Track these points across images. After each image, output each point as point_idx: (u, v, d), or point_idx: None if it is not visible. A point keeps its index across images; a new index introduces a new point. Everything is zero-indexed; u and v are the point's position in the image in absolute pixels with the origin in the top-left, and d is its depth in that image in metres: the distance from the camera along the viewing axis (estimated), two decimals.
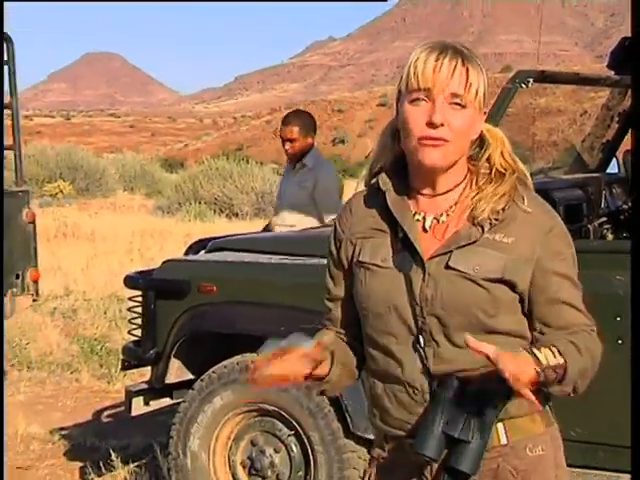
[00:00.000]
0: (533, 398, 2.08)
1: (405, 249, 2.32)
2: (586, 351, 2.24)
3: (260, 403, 4.95)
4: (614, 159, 6.13)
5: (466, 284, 2.27)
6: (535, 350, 2.15)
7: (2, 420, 4.50)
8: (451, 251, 2.29)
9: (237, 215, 23.64)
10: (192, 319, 5.26)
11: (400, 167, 2.38)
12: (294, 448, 4.93)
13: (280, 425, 4.94)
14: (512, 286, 2.28)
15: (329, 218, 6.48)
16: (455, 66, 2.23)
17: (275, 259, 5.25)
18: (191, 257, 6.03)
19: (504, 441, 2.32)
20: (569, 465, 4.41)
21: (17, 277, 7.41)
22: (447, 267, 2.28)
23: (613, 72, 5.61)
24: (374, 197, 2.42)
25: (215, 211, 23.41)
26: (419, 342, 2.30)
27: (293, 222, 6.76)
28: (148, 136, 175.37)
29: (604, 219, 5.47)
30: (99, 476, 6.17)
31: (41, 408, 7.88)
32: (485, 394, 2.24)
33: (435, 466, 2.32)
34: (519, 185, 2.34)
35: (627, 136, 6.05)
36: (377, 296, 2.34)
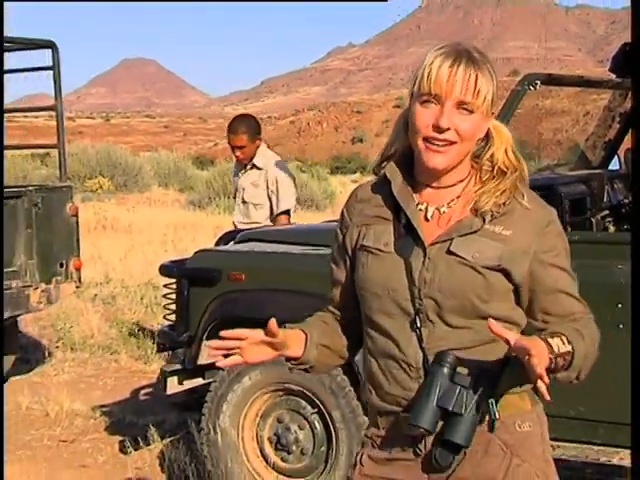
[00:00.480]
0: (547, 382, 2.05)
1: (407, 235, 2.32)
2: (588, 337, 2.23)
3: (286, 383, 4.96)
4: (615, 157, 6.12)
5: (464, 269, 2.27)
6: (549, 338, 2.13)
7: (2, 419, 4.43)
8: (452, 238, 2.28)
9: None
10: (222, 305, 5.27)
11: (407, 159, 2.37)
12: (317, 425, 4.94)
13: (304, 403, 4.94)
14: (508, 275, 2.28)
15: (279, 212, 6.83)
16: (466, 74, 2.22)
17: (298, 249, 5.25)
18: (221, 247, 6.03)
19: (496, 416, 2.29)
20: (572, 441, 4.44)
21: (61, 266, 7.45)
22: (448, 252, 2.28)
23: (615, 75, 5.59)
24: (381, 186, 2.41)
25: None
26: (416, 322, 2.29)
27: (253, 219, 6.84)
28: (181, 136, 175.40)
29: (606, 212, 5.46)
30: (137, 450, 6.19)
31: (83, 387, 7.91)
32: (478, 370, 2.25)
33: (429, 440, 2.31)
34: (520, 182, 2.33)
35: (627, 135, 6.03)
36: (377, 278, 2.34)
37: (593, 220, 5.34)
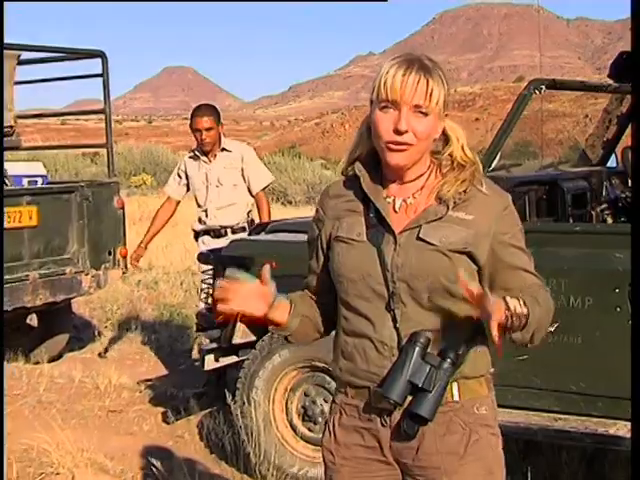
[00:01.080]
0: (498, 337, 2.07)
1: (378, 225, 2.34)
2: (544, 304, 2.26)
3: (312, 360, 4.96)
4: (613, 155, 6.09)
5: (432, 254, 2.29)
6: (507, 297, 2.14)
7: (2, 417, 4.37)
8: (420, 225, 2.31)
9: (291, 203, 23.63)
10: None
11: (373, 159, 2.39)
12: None
13: (329, 379, 4.94)
14: (472, 258, 2.30)
15: (262, 187, 6.69)
16: (419, 81, 2.24)
17: None
18: (253, 237, 6.04)
19: (456, 398, 2.35)
20: (574, 414, 4.42)
21: (109, 254, 7.48)
22: (417, 238, 2.30)
23: (613, 81, 5.56)
24: (350, 183, 2.44)
25: (272, 199, 23.39)
26: (390, 304, 2.31)
27: (231, 201, 6.61)
28: None
29: (605, 206, 5.44)
30: (178, 419, 6.22)
31: (129, 363, 7.94)
32: (447, 352, 2.27)
33: (396, 413, 2.33)
34: (477, 173, 2.35)
35: (624, 135, 6.01)
36: (352, 265, 2.35)
37: (593, 213, 5.33)
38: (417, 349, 2.25)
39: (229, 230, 6.61)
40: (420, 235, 2.30)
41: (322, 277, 2.51)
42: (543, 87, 4.65)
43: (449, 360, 2.25)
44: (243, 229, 6.61)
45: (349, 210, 2.40)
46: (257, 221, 6.66)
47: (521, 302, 2.16)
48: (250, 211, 6.77)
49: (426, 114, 2.25)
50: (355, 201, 2.41)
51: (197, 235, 6.86)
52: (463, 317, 2.31)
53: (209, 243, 6.58)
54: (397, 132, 2.25)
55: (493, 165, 4.66)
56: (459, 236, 2.29)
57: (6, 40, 6.77)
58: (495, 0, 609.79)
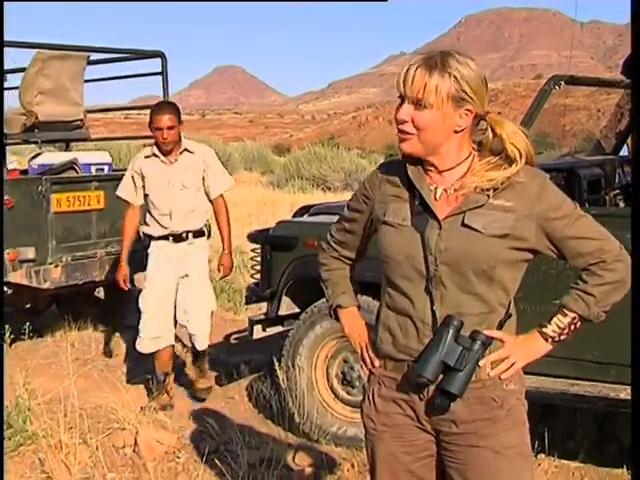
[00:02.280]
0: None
1: (422, 212, 2.30)
2: (596, 287, 2.26)
3: None
4: (625, 145, 6.02)
5: (477, 239, 2.24)
6: (544, 328, 2.30)
7: (2, 417, 4.35)
8: (464, 212, 2.26)
9: (330, 189, 23.53)
10: (298, 267, 5.28)
11: None
12: None
13: None
14: (522, 240, 2.26)
15: (223, 191, 5.80)
16: (417, 76, 2.20)
17: None
18: (297, 219, 6.04)
19: (491, 374, 2.31)
20: (589, 380, 4.39)
21: None
22: (462, 225, 2.25)
23: (625, 77, 5.49)
24: (399, 167, 2.39)
25: (313, 185, 23.32)
26: (429, 286, 2.28)
27: (193, 206, 5.69)
28: (263, 129, 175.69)
29: (617, 191, 5.38)
30: (229, 382, 6.26)
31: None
32: (478, 334, 2.24)
33: (430, 388, 2.31)
34: (518, 169, 2.26)
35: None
36: (398, 248, 2.32)
37: (606, 198, 5.28)
38: (451, 331, 2.22)
39: (190, 234, 5.73)
40: (465, 221, 2.25)
41: (361, 236, 2.55)
42: (562, 82, 4.61)
43: (479, 342, 2.23)
44: (202, 233, 5.79)
45: (395, 196, 2.36)
46: (212, 227, 5.95)
47: (563, 313, 2.29)
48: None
49: (424, 107, 2.21)
50: (401, 187, 2.36)
51: (149, 238, 5.80)
52: (497, 303, 2.29)
53: (164, 248, 5.73)
54: (398, 122, 2.26)
55: None
56: (501, 222, 2.23)
57: (76, 42, 6.81)
58: (516, 5, 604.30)
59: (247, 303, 6.00)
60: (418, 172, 2.33)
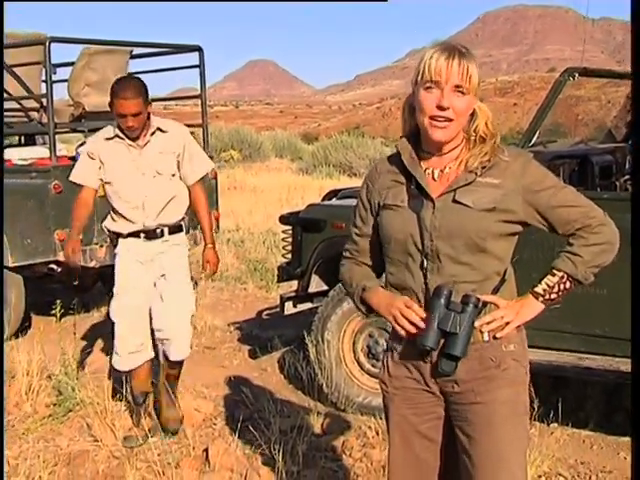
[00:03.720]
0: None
1: (418, 194, 2.33)
2: (585, 249, 2.28)
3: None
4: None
5: (467, 214, 2.27)
6: (535, 288, 2.32)
7: (2, 416, 4.19)
8: (454, 190, 2.29)
9: (355, 175, 23.47)
10: (327, 247, 5.28)
11: (414, 135, 2.38)
12: None
13: (389, 323, 4.92)
14: (510, 212, 2.28)
15: (201, 175, 4.72)
16: (460, 64, 2.21)
17: None
18: (326, 202, 6.03)
19: (486, 338, 2.33)
20: (600, 354, 4.36)
21: None
22: (453, 201, 2.28)
23: None
24: (394, 159, 2.43)
25: (339, 172, 23.28)
26: (424, 262, 2.31)
27: (169, 195, 4.55)
28: (292, 118, 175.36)
29: (628, 177, 5.31)
30: (262, 355, 6.28)
31: (221, 308, 8.02)
32: (468, 298, 2.25)
33: (434, 354, 2.33)
34: (496, 145, 2.32)
35: None
36: (398, 227, 2.34)
37: (617, 183, 5.22)
38: (442, 300, 2.25)
39: (166, 230, 4.58)
40: (456, 198, 2.28)
41: (373, 239, 2.50)
42: (576, 74, 4.57)
43: (471, 305, 2.24)
44: (180, 228, 4.67)
45: (394, 181, 2.40)
46: (188, 217, 4.90)
47: (551, 273, 2.30)
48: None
49: (464, 93, 2.23)
50: (398, 174, 2.40)
51: (117, 236, 4.62)
52: (492, 271, 2.31)
53: (134, 247, 4.57)
54: (440, 108, 2.23)
55: (533, 141, 4.58)
56: (489, 197, 2.27)
57: (119, 38, 6.81)
58: (531, 2, 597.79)
59: (279, 281, 6.01)
60: (412, 160, 2.37)
